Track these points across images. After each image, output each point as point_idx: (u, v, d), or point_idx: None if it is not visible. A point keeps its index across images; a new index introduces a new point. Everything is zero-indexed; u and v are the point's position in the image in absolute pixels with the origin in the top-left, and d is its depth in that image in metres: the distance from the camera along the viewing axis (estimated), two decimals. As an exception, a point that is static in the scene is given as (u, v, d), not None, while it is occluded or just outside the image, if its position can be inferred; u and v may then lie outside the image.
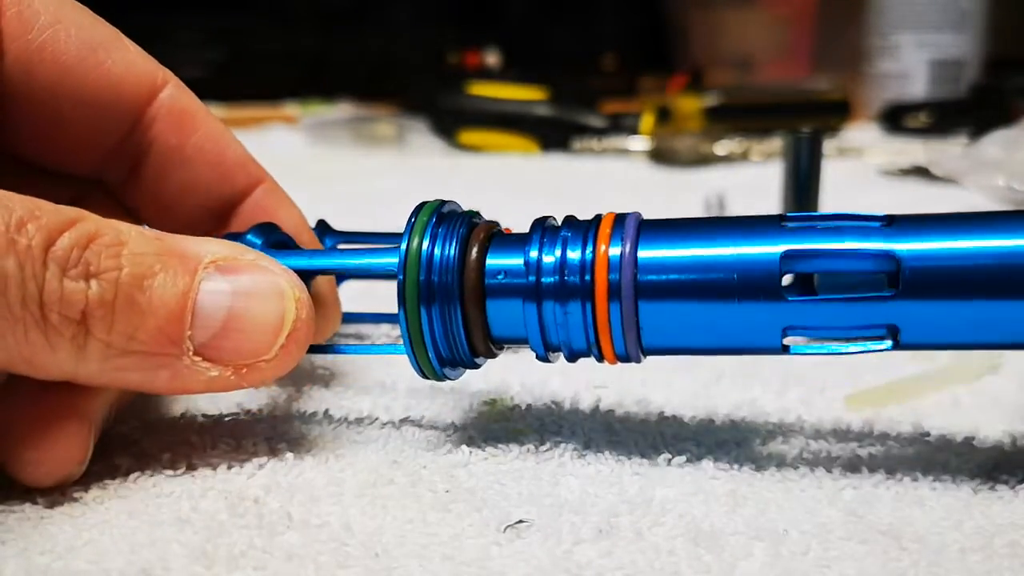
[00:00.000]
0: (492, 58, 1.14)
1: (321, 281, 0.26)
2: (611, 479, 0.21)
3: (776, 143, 0.72)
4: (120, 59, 0.23)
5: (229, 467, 0.21)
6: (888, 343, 0.19)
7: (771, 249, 0.19)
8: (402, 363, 0.24)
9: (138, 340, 0.19)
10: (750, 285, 0.19)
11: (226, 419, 0.25)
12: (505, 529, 0.19)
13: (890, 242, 0.19)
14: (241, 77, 1.13)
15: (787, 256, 0.19)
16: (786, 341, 0.20)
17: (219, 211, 0.26)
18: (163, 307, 0.19)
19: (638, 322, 0.20)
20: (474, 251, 0.21)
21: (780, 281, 0.19)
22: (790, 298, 0.19)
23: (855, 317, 0.19)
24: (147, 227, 0.20)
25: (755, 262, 0.19)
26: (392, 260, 0.21)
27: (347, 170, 0.77)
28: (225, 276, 0.20)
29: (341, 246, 0.31)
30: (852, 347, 0.20)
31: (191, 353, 0.19)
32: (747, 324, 0.20)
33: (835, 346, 0.20)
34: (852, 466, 0.21)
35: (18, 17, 0.22)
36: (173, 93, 0.24)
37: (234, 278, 0.20)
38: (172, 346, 0.19)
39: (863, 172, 0.69)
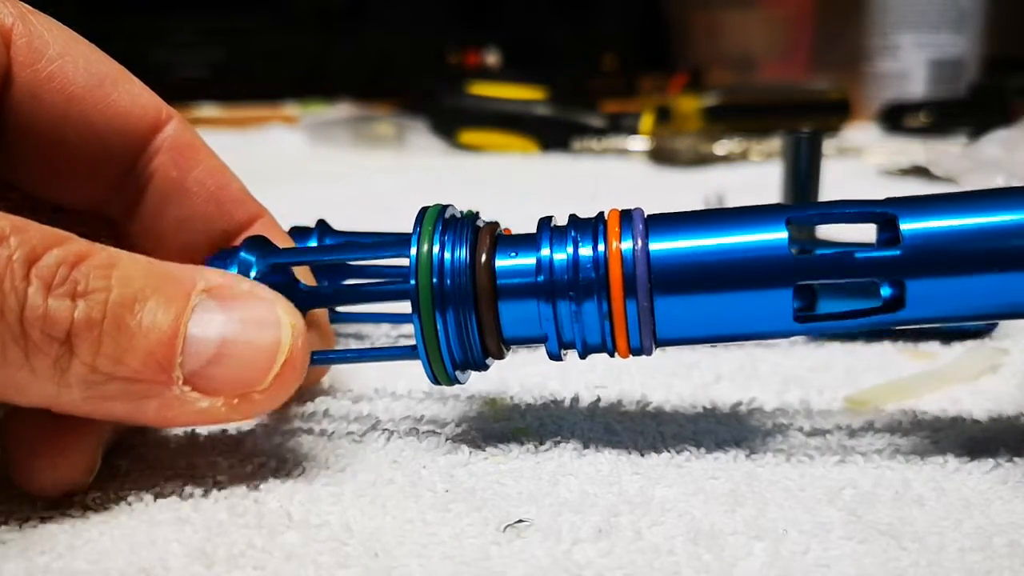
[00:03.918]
0: (492, 58, 1.14)
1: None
2: (611, 479, 0.21)
3: (776, 143, 0.72)
4: (126, 92, 0.23)
5: (229, 467, 0.21)
6: (896, 312, 0.20)
7: (778, 234, 0.20)
8: (402, 363, 0.24)
9: (126, 365, 0.18)
10: (760, 268, 0.20)
11: (226, 419, 0.25)
12: (505, 529, 0.19)
13: (888, 208, 0.20)
14: (241, 77, 1.13)
15: (791, 220, 0.20)
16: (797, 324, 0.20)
17: (216, 244, 0.25)
18: (154, 331, 0.18)
19: (653, 315, 0.20)
20: (484, 253, 0.21)
21: (789, 258, 0.20)
22: (796, 257, 0.20)
23: (864, 268, 0.20)
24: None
25: (764, 245, 0.20)
26: (396, 257, 0.22)
27: (347, 170, 0.77)
28: (219, 303, 0.19)
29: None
30: (862, 321, 0.20)
31: (181, 382, 0.19)
32: (760, 306, 0.20)
33: (845, 322, 0.20)
34: (852, 466, 0.21)
35: (28, 46, 0.22)
36: (176, 127, 0.24)
37: (228, 305, 0.19)
38: (161, 373, 0.18)
39: (863, 172, 0.69)
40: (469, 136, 0.84)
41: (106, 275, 0.18)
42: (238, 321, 0.19)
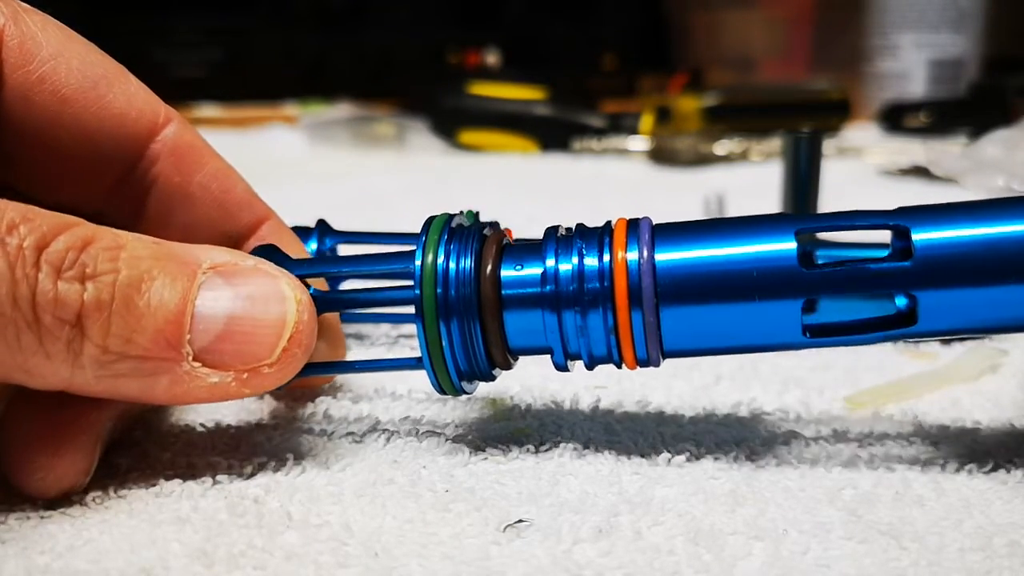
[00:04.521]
0: (492, 58, 1.14)
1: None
2: (611, 479, 0.21)
3: (776, 143, 0.72)
4: (121, 93, 0.23)
5: (229, 467, 0.21)
6: (909, 327, 0.19)
7: (786, 246, 0.19)
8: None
9: (136, 344, 0.18)
10: (769, 280, 0.19)
11: (226, 419, 0.25)
12: (505, 529, 0.19)
13: (900, 219, 0.19)
14: (241, 77, 1.13)
15: (800, 232, 0.20)
16: (807, 335, 0.20)
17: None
18: (162, 310, 0.19)
19: (660, 327, 0.20)
20: (489, 263, 0.21)
21: (798, 271, 0.19)
22: (807, 271, 0.19)
23: (875, 281, 0.19)
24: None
25: (773, 256, 0.19)
26: (402, 268, 0.21)
27: (347, 170, 0.77)
28: (225, 280, 0.20)
29: (343, 247, 0.31)
30: (873, 336, 0.20)
31: (191, 358, 0.19)
32: (768, 320, 0.20)
33: (855, 336, 0.20)
34: (852, 466, 0.21)
35: (20, 47, 0.22)
36: (177, 129, 0.24)
37: (234, 281, 0.20)
38: (171, 350, 0.19)
39: (863, 172, 0.69)
40: (469, 136, 0.84)
41: (113, 257, 0.18)
42: (245, 297, 0.20)
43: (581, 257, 0.20)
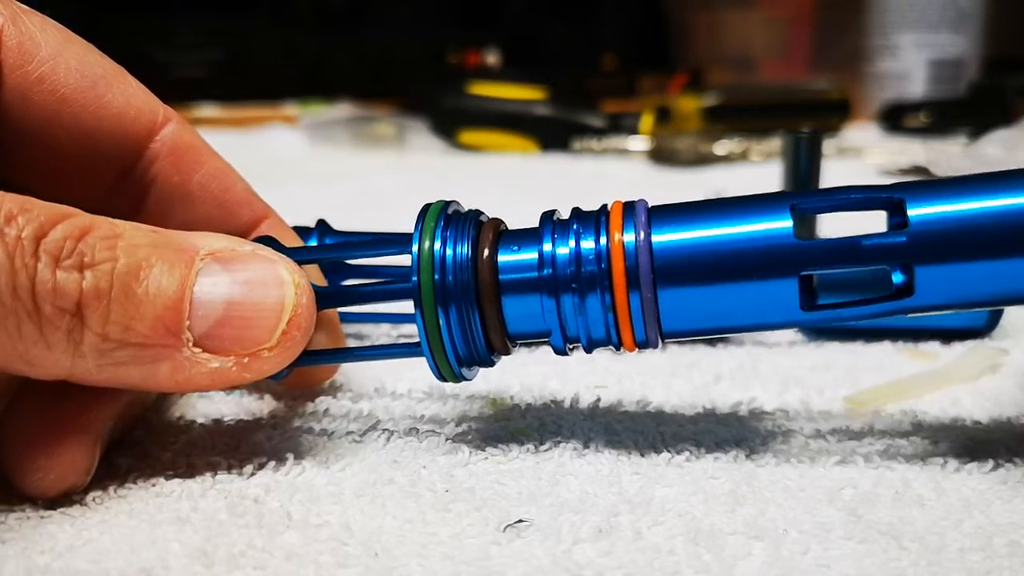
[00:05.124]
0: (492, 58, 1.14)
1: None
2: (611, 479, 0.21)
3: (776, 143, 0.72)
4: (120, 93, 0.23)
5: (229, 467, 0.21)
6: (905, 299, 0.19)
7: (782, 222, 0.19)
8: (402, 362, 0.24)
9: (135, 331, 0.18)
10: (766, 255, 0.19)
11: (226, 419, 0.25)
12: (505, 529, 0.19)
13: (894, 192, 0.19)
14: (241, 77, 1.13)
15: (796, 207, 0.20)
16: (805, 314, 0.20)
17: None
18: (160, 296, 0.19)
19: (657, 307, 0.20)
20: (486, 248, 0.21)
21: (795, 245, 0.19)
22: (803, 243, 0.19)
23: (870, 254, 0.19)
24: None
25: (768, 233, 0.19)
26: (400, 254, 0.21)
27: (347, 170, 0.77)
28: (223, 266, 0.20)
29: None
30: (870, 308, 0.20)
31: (191, 344, 0.19)
32: (767, 296, 0.20)
33: (853, 310, 0.20)
34: (852, 466, 0.21)
35: (18, 48, 0.22)
36: (175, 129, 0.24)
37: (232, 267, 0.20)
38: (171, 336, 0.19)
39: (863, 172, 0.69)
40: (469, 136, 0.84)
41: (111, 245, 0.19)
42: (243, 282, 0.20)
43: (578, 240, 0.20)
